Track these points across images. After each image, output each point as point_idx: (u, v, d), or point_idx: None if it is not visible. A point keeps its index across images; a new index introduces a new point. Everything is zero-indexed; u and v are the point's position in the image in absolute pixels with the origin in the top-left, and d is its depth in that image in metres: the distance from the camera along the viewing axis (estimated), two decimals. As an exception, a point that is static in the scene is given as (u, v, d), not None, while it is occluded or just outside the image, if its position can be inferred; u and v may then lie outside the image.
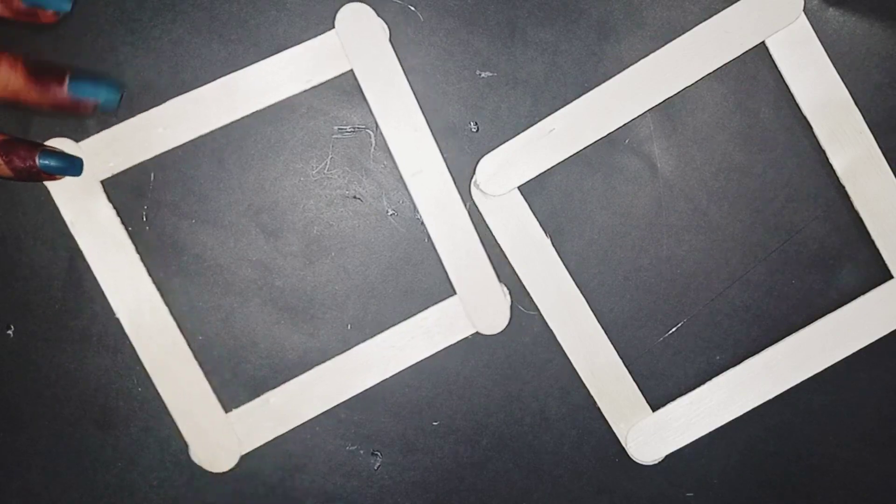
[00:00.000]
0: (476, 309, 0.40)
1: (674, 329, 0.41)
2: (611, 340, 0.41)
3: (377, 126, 0.40)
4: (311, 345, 0.41)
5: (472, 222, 0.40)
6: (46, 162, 0.37)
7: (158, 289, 0.40)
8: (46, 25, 0.37)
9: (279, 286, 0.41)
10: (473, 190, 0.40)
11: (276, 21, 0.40)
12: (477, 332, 0.41)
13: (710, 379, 0.41)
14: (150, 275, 0.40)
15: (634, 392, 0.41)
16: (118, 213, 0.40)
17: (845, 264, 0.41)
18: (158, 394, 0.41)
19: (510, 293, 0.41)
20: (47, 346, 0.41)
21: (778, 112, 0.40)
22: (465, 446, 0.41)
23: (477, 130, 0.41)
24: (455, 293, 0.40)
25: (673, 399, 0.41)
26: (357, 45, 0.39)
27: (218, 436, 0.40)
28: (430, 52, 0.40)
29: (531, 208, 0.40)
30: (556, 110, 0.40)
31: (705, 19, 0.40)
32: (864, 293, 0.40)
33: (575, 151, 0.40)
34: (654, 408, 0.41)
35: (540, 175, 0.40)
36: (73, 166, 0.38)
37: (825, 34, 0.40)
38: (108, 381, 0.41)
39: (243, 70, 0.39)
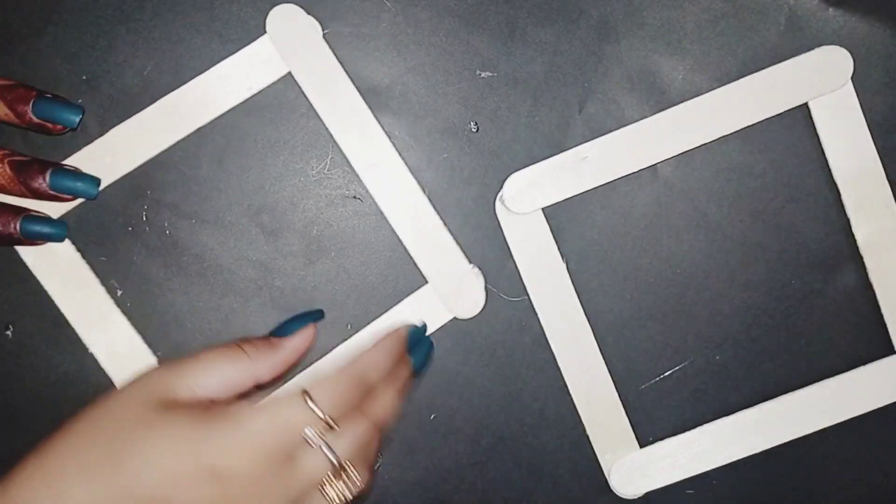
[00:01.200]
0: (450, 295, 0.40)
1: (672, 370, 0.41)
2: (609, 369, 0.41)
3: (326, 127, 0.40)
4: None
5: (434, 209, 0.40)
6: (59, 183, 0.38)
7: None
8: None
9: (279, 286, 0.41)
10: (498, 205, 0.40)
11: (276, 21, 0.40)
12: (454, 318, 0.41)
13: (701, 424, 0.41)
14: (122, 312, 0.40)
15: (625, 426, 0.41)
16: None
17: (845, 264, 0.41)
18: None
19: (482, 273, 0.40)
20: (47, 346, 0.41)
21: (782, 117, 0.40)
22: (465, 446, 0.41)
23: (477, 130, 0.41)
24: (426, 282, 0.40)
25: (662, 438, 0.41)
26: (291, 47, 0.39)
27: None
28: (430, 52, 0.40)
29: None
30: (556, 109, 0.40)
31: (705, 19, 0.40)
32: (865, 363, 0.41)
33: (604, 182, 0.40)
34: (643, 444, 0.41)
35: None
36: (58, 232, 0.39)
37: (826, 34, 0.40)
38: (109, 382, 0.41)
39: (183, 88, 0.40)
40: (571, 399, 0.41)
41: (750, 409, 0.41)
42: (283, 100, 0.40)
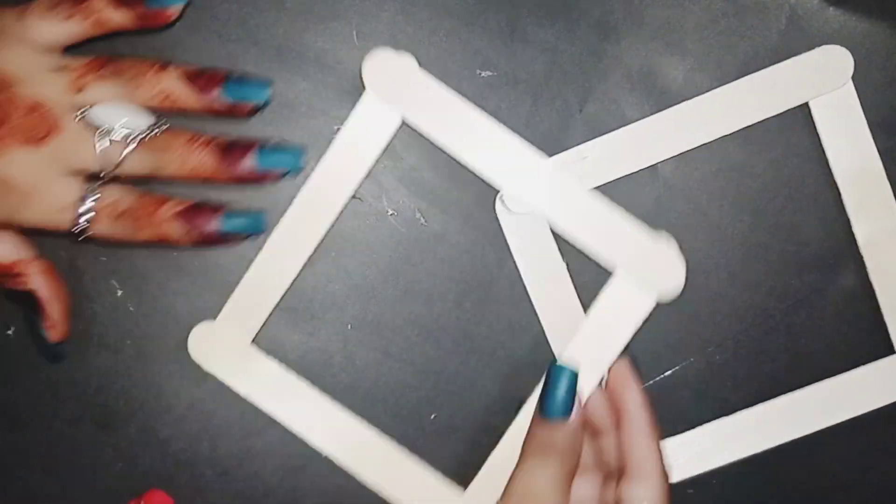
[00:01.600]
0: (648, 274, 0.38)
1: (672, 370, 0.41)
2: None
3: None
4: (311, 345, 0.41)
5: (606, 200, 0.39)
6: (232, 223, 0.37)
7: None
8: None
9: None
10: (498, 205, 0.40)
11: (275, 21, 0.40)
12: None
13: (701, 424, 0.41)
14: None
15: None
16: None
17: (845, 264, 0.41)
18: (158, 394, 0.41)
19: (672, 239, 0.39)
20: (47, 346, 0.41)
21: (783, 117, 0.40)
22: (465, 446, 0.41)
23: (477, 130, 0.40)
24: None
25: (662, 439, 0.41)
26: (393, 92, 0.38)
27: None
28: (430, 52, 0.40)
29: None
30: (556, 109, 0.40)
31: (705, 19, 0.40)
32: (865, 363, 0.41)
33: (604, 182, 0.40)
34: None
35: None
36: (257, 223, 0.38)
37: (826, 34, 0.40)
38: (108, 381, 0.41)
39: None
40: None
41: (750, 409, 0.41)
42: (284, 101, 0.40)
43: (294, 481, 0.41)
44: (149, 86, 0.35)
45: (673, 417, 0.42)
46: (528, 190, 0.39)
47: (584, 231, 0.39)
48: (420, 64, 0.40)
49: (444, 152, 0.40)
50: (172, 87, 0.36)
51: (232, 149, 0.37)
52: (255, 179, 0.37)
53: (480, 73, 0.40)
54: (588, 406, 0.37)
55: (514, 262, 0.41)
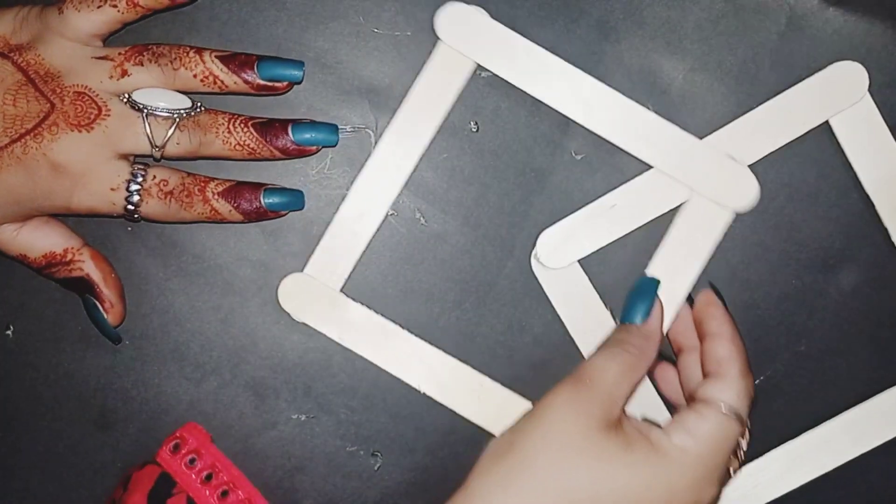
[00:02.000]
0: (721, 189, 0.39)
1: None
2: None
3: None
4: (310, 345, 0.41)
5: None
6: (271, 200, 0.38)
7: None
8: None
9: (279, 286, 0.41)
10: (533, 262, 0.40)
11: (275, 21, 0.40)
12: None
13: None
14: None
15: None
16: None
17: (845, 264, 0.41)
18: (158, 394, 0.41)
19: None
20: (47, 346, 0.41)
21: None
22: (465, 446, 0.41)
23: (477, 130, 0.41)
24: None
25: None
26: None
27: None
28: (430, 52, 0.40)
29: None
30: (555, 110, 0.40)
31: (705, 19, 0.40)
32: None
33: (635, 227, 0.40)
34: None
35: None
36: (296, 200, 0.39)
37: (826, 34, 0.40)
38: (108, 381, 0.41)
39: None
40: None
41: (814, 430, 0.41)
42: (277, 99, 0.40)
43: (294, 481, 0.41)
44: (188, 69, 0.37)
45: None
46: (602, 124, 0.39)
47: (658, 156, 0.39)
48: (421, 64, 0.40)
49: (444, 152, 0.40)
50: (211, 68, 0.37)
51: (270, 126, 0.38)
52: (293, 154, 0.39)
53: (480, 73, 0.40)
54: (674, 323, 0.39)
55: (515, 263, 0.41)
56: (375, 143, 0.40)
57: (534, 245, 0.40)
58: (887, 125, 0.39)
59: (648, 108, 0.39)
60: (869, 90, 0.39)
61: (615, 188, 0.40)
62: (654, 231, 0.40)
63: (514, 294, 0.41)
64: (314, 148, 0.39)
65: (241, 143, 0.38)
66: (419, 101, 0.39)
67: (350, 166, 0.40)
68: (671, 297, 0.39)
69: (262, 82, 0.37)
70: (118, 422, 0.41)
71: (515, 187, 0.41)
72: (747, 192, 0.39)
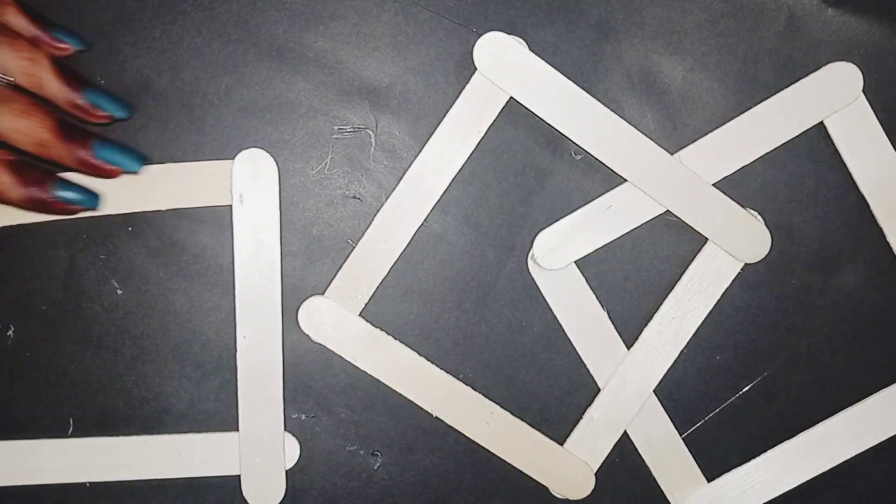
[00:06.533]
0: (735, 242, 0.40)
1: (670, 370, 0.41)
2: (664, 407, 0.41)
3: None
4: (310, 345, 0.41)
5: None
6: (63, 194, 0.36)
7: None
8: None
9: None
10: (530, 263, 0.40)
11: (275, 21, 0.40)
12: (744, 265, 0.40)
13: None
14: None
15: (690, 463, 0.41)
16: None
17: (845, 264, 0.41)
18: (158, 394, 0.41)
19: (759, 215, 0.40)
20: (47, 346, 0.41)
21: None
22: (465, 446, 0.41)
23: (477, 130, 0.41)
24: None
25: (728, 470, 0.42)
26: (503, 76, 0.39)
27: None
28: (430, 52, 0.40)
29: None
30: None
31: (705, 19, 0.40)
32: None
33: (632, 228, 0.40)
34: (710, 479, 0.42)
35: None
36: (91, 200, 0.37)
37: (825, 35, 0.40)
38: (108, 381, 0.41)
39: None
40: (572, 399, 0.41)
41: (813, 429, 0.41)
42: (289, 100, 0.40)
43: (294, 481, 0.41)
44: (14, 51, 0.34)
45: (672, 416, 0.42)
46: (624, 166, 0.39)
47: (677, 203, 0.39)
48: (420, 64, 0.40)
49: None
50: (40, 63, 0.35)
51: (74, 130, 0.36)
52: (88, 168, 0.36)
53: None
54: None
55: (514, 263, 0.41)
56: (405, 170, 0.40)
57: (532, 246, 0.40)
58: (882, 126, 0.40)
59: (674, 158, 0.39)
60: (867, 91, 0.39)
61: (615, 189, 0.40)
62: (652, 234, 0.40)
63: (514, 294, 0.41)
64: (112, 170, 0.37)
65: (35, 130, 0.34)
66: (451, 131, 0.39)
67: (350, 166, 0.40)
68: (676, 338, 0.40)
69: (86, 104, 0.35)
70: (118, 422, 0.41)
71: (515, 187, 0.41)
72: (760, 247, 0.40)
